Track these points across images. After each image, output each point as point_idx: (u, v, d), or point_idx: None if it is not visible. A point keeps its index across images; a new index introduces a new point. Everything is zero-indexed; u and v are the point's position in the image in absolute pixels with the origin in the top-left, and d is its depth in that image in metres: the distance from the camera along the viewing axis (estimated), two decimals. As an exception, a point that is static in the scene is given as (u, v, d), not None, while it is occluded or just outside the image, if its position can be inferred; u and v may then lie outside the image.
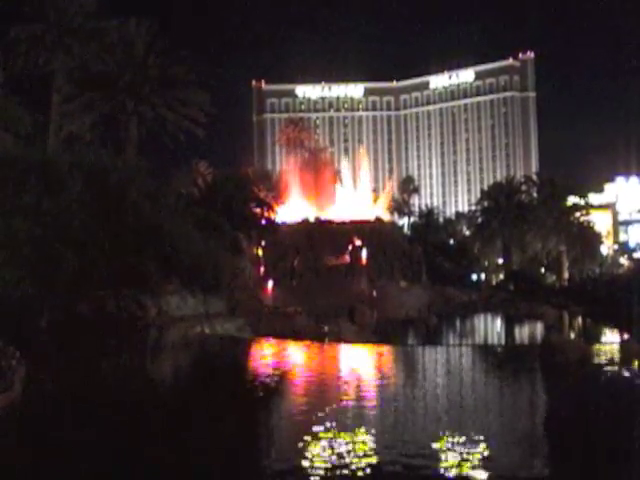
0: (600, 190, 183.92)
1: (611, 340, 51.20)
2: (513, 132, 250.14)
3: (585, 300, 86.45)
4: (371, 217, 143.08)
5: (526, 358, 36.57)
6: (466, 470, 13.86)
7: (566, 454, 15.61)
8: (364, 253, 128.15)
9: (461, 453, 14.95)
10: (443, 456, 14.91)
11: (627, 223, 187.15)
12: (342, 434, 16.50)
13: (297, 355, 38.78)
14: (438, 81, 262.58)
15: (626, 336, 51.29)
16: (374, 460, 14.39)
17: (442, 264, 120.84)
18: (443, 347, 47.25)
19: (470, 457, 14.64)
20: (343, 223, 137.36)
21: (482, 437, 16.32)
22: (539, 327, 69.25)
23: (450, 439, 16.08)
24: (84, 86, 68.56)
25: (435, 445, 15.62)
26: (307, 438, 16.06)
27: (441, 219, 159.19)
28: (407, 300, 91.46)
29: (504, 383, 26.33)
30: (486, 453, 15.04)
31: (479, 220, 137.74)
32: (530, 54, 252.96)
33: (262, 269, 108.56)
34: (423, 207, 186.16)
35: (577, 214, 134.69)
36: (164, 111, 72.48)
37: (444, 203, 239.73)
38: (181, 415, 19.94)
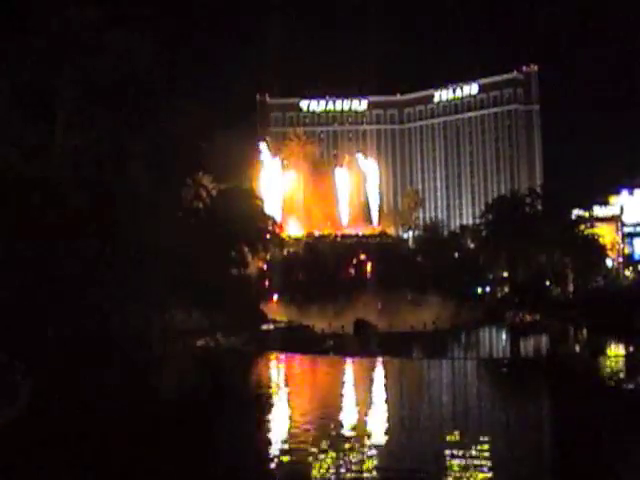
0: (605, 202, 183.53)
1: (616, 352, 51.03)
2: (517, 145, 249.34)
3: (590, 312, 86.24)
4: (376, 231, 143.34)
5: (531, 374, 36.41)
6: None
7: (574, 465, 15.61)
8: (369, 267, 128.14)
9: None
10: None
11: (632, 235, 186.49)
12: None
13: (297, 371, 38.72)
14: (442, 94, 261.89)
15: (631, 348, 51.18)
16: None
17: (447, 277, 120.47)
18: (448, 361, 47.08)
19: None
20: (348, 237, 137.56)
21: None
22: (544, 340, 69.09)
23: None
24: (88, 100, 68.57)
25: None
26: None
27: (446, 232, 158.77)
28: (413, 313, 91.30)
29: (508, 408, 26.06)
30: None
31: (484, 233, 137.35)
32: (534, 67, 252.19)
33: (267, 283, 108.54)
34: (428, 220, 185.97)
35: (581, 226, 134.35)
36: (168, 124, 72.41)
37: (448, 216, 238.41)
38: (183, 431, 19.92)
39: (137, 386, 29.23)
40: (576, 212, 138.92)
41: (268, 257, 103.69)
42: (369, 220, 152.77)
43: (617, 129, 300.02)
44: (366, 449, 17.33)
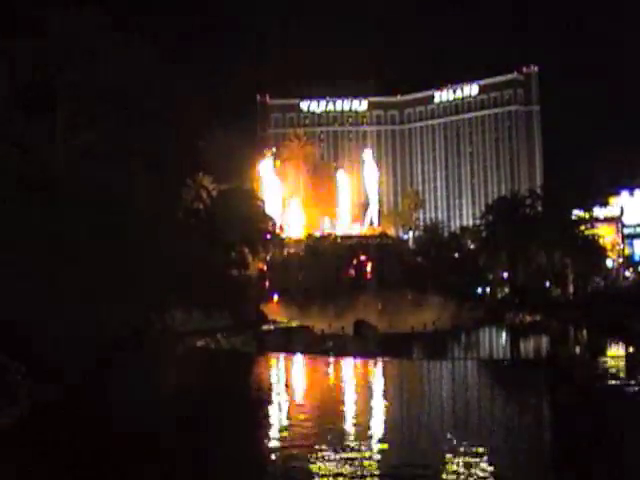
0: (605, 203, 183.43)
1: (616, 353, 51.02)
2: (517, 146, 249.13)
3: (590, 313, 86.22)
4: (376, 232, 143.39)
5: (531, 375, 36.40)
6: None
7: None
8: (369, 267, 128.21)
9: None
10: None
11: (632, 236, 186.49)
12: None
13: (297, 372, 38.71)
14: (442, 95, 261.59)
15: (631, 349, 51.20)
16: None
17: (447, 278, 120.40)
18: (448, 361, 47.10)
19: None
20: (348, 237, 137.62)
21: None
22: (544, 340, 69.13)
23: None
24: (89, 100, 68.55)
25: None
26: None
27: (446, 233, 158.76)
28: (413, 314, 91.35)
29: (508, 410, 26.03)
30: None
31: (484, 234, 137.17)
32: (534, 68, 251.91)
33: (267, 283, 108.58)
34: (428, 221, 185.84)
35: (582, 227, 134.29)
36: (169, 125, 72.37)
37: (448, 217, 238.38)
38: (182, 432, 19.92)
39: (137, 387, 29.24)
40: (576, 213, 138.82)
41: (268, 258, 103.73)
42: (369, 221, 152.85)
43: (617, 129, 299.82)
44: (367, 451, 17.32)
